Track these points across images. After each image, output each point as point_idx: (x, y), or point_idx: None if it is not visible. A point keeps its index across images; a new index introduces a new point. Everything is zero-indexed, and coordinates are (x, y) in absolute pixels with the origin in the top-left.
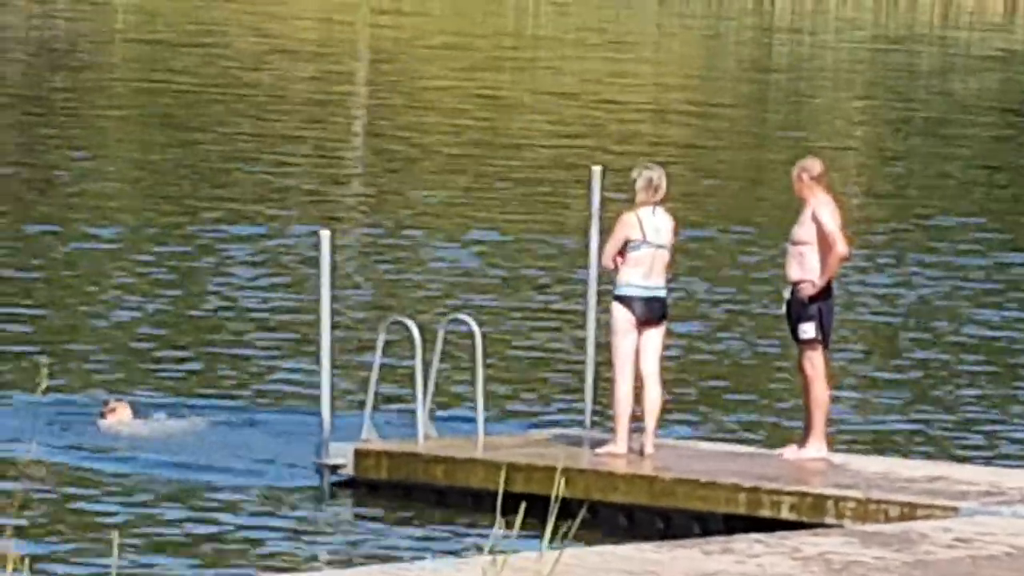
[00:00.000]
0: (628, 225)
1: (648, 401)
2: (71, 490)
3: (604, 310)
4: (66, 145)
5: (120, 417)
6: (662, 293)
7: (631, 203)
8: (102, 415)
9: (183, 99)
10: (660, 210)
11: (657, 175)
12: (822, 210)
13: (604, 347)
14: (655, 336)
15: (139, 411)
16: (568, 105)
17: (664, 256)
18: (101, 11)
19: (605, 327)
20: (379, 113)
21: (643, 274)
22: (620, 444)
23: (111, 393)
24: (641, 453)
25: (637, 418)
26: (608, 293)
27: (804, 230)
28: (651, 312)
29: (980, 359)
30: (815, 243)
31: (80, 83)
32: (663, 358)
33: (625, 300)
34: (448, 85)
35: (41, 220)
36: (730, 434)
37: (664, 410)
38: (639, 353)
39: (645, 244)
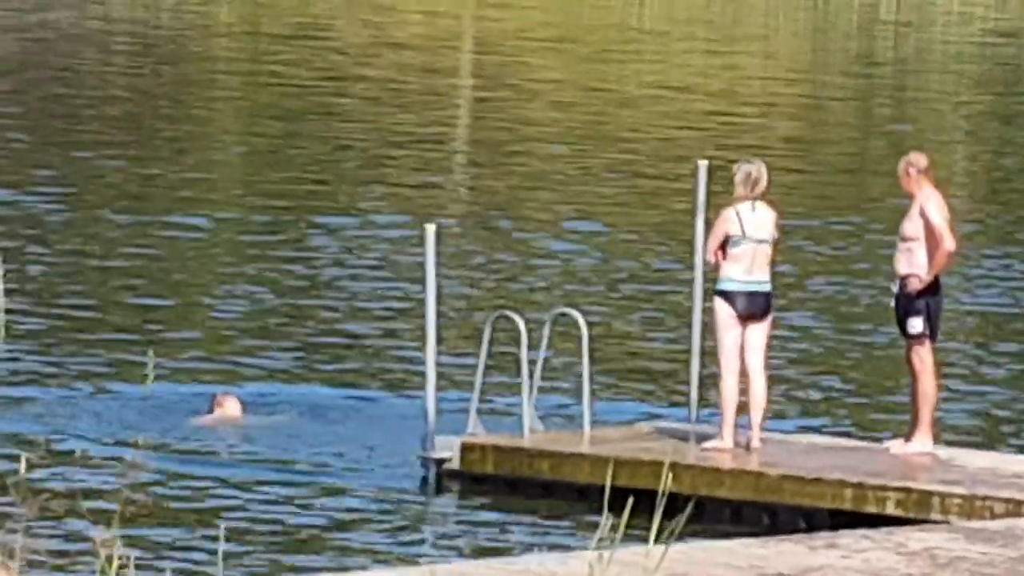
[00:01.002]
0: (727, 221)
1: (753, 395)
2: (178, 484)
3: (710, 304)
4: (171, 136)
5: (228, 411)
6: (765, 288)
7: (731, 198)
8: (210, 409)
9: (289, 91)
10: (760, 204)
11: (756, 169)
12: (929, 205)
13: (709, 341)
14: (759, 330)
15: (247, 405)
16: (675, 98)
17: (766, 250)
18: (207, 3)
19: (710, 321)
20: (485, 105)
21: (744, 269)
22: (726, 439)
23: (216, 385)
24: (747, 448)
25: (743, 413)
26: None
27: (912, 225)
28: (753, 307)
29: None
30: (923, 238)
31: (185, 75)
32: (768, 352)
33: (726, 295)
34: (554, 77)
35: (147, 211)
36: (836, 428)
37: (770, 404)
38: (743, 348)
39: (745, 240)
